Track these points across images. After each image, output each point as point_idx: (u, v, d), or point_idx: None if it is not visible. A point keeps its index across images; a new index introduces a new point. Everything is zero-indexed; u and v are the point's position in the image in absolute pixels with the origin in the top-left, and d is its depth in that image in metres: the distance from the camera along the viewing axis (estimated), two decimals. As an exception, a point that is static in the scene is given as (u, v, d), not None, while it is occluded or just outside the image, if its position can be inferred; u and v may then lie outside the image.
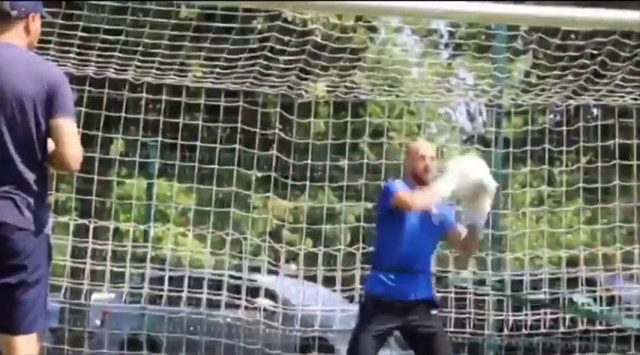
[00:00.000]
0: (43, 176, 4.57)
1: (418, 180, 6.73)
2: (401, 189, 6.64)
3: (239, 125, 11.83)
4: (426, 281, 6.68)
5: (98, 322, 14.62)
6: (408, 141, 15.33)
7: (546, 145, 12.06)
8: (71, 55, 10.68)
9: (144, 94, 11.46)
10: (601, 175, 11.98)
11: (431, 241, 6.77)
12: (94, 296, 13.63)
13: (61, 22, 10.44)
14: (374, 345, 6.53)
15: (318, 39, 11.82)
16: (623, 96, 11.43)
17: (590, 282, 12.18)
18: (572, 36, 11.75)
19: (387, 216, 6.65)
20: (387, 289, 6.56)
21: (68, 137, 4.52)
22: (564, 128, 12.17)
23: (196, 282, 12.40)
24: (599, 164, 11.97)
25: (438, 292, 12.31)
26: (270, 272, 13.34)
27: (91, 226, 11.69)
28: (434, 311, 6.80)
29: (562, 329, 11.75)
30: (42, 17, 4.76)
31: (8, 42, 4.58)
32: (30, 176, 4.50)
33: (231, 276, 12.45)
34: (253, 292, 12.98)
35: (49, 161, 4.61)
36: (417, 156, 6.77)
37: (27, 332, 4.51)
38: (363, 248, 12.18)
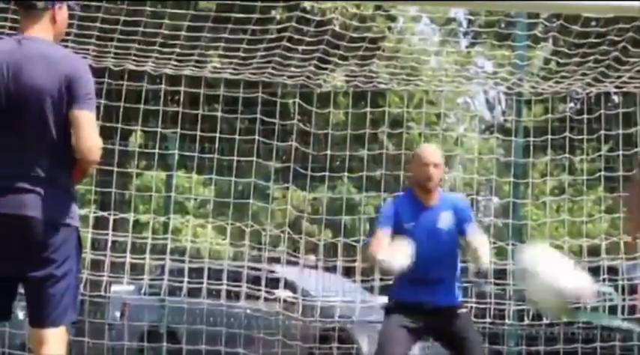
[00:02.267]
0: (68, 169, 4.56)
1: (422, 188, 6.50)
2: (382, 223, 6.45)
3: (258, 116, 11.80)
4: (446, 289, 6.48)
5: (118, 314, 14.63)
6: (428, 131, 15.35)
7: (567, 134, 11.98)
8: (90, 47, 10.66)
9: (163, 86, 11.44)
10: (622, 163, 11.91)
11: (442, 251, 6.47)
12: (114, 288, 13.64)
13: (80, 14, 10.44)
14: (403, 334, 6.33)
15: (337, 28, 11.77)
16: (644, 83, 11.35)
17: (612, 271, 12.12)
18: (593, 23, 11.66)
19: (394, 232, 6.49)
20: (409, 296, 6.43)
21: (82, 129, 4.52)
22: (585, 116, 12.08)
23: (216, 274, 12.37)
24: (621, 152, 11.89)
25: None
26: (289, 263, 13.33)
27: (111, 218, 11.70)
28: (463, 312, 6.56)
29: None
30: (69, 8, 4.75)
31: (33, 36, 4.58)
32: (56, 169, 4.52)
33: (250, 268, 12.43)
34: (273, 283, 12.95)
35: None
36: (420, 163, 6.50)
37: (56, 325, 4.53)
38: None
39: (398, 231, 6.44)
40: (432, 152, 6.58)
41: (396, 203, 6.59)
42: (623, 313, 11.79)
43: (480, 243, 6.42)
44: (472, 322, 6.76)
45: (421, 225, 6.44)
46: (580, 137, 12.14)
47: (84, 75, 4.57)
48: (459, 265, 6.66)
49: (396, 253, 6.19)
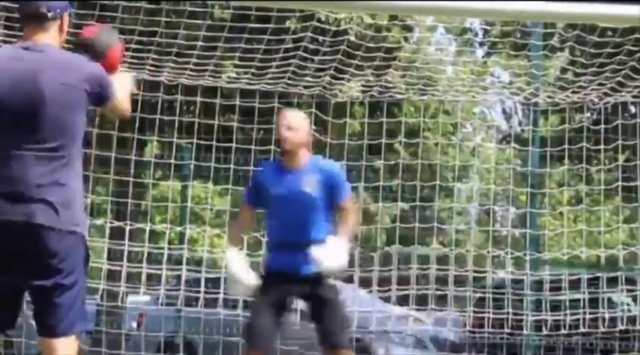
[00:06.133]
0: (78, 178, 4.56)
1: (280, 150, 6.62)
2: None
3: (274, 126, 11.79)
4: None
5: (135, 324, 14.64)
6: (444, 141, 15.32)
7: (584, 144, 11.94)
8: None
9: (178, 96, 11.46)
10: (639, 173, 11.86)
11: (307, 215, 6.50)
12: (130, 298, 13.65)
13: (95, 24, 10.46)
14: (270, 312, 6.50)
15: (353, 38, 11.77)
16: (662, 93, 11.31)
17: (630, 282, 12.06)
18: (610, 33, 11.63)
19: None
20: (279, 264, 6.53)
21: (119, 104, 4.76)
22: (602, 126, 12.03)
23: (232, 284, 12.34)
24: (638, 162, 11.85)
25: (475, 292, 12.25)
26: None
27: (127, 228, 11.71)
28: (330, 282, 6.56)
29: (601, 329, 11.63)
30: (69, 16, 4.78)
31: (44, 43, 4.58)
32: (66, 177, 4.49)
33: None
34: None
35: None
36: (278, 124, 6.64)
37: (65, 335, 4.50)
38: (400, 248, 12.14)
39: (265, 198, 6.56)
40: (289, 114, 6.72)
41: (260, 172, 6.80)
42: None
43: (331, 245, 6.41)
44: (338, 292, 6.69)
45: (285, 188, 6.49)
46: (597, 147, 12.10)
47: (101, 76, 4.62)
48: (329, 228, 6.57)
49: (244, 274, 6.42)
